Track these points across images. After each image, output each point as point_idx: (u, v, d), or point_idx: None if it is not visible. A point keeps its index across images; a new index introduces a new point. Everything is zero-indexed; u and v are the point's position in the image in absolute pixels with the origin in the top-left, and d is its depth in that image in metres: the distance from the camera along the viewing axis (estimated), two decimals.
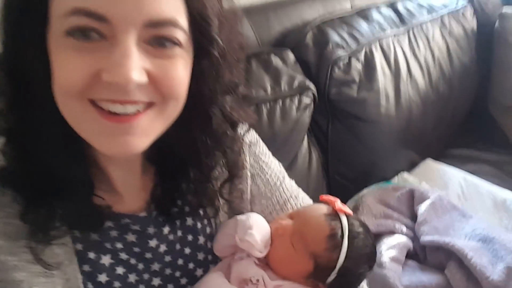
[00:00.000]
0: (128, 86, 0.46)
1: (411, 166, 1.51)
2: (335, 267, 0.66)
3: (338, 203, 0.71)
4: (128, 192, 0.61)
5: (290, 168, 1.15)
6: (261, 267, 0.69)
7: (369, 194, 1.26)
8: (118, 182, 0.60)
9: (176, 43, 0.48)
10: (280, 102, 1.08)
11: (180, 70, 0.49)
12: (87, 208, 0.56)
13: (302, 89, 1.13)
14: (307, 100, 1.13)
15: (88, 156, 0.58)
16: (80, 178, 0.54)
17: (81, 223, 0.56)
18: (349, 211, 0.71)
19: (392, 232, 1.13)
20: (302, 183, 0.83)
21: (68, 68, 0.45)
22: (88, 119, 0.49)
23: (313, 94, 1.14)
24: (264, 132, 1.05)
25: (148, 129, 0.49)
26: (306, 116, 1.17)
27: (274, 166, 0.74)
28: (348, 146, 1.27)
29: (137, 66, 0.45)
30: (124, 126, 0.47)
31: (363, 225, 0.72)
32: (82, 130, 0.49)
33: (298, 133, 1.16)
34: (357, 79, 1.28)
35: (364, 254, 0.69)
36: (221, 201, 0.67)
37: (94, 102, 0.48)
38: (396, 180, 1.38)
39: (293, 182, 0.80)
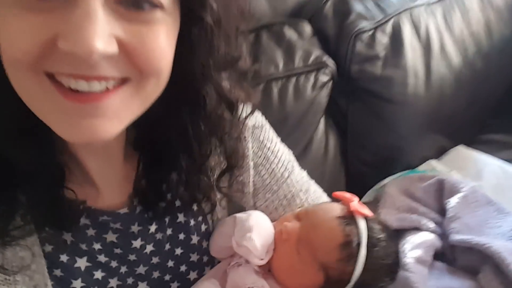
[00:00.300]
0: (91, 58, 0.37)
1: (440, 153, 1.40)
2: (349, 280, 0.58)
3: (355, 203, 0.61)
4: (107, 184, 0.56)
5: (303, 155, 1.07)
6: (261, 276, 0.61)
7: (392, 184, 1.15)
8: (94, 172, 0.55)
9: (156, 4, 0.41)
10: (294, 79, 1.01)
11: (161, 39, 0.42)
12: (56, 203, 0.51)
13: (319, 65, 1.06)
14: (324, 77, 1.05)
15: (57, 141, 0.50)
16: (47, 168, 0.49)
17: (49, 221, 0.52)
18: (368, 213, 0.61)
19: (417, 229, 1.01)
20: (317, 172, 0.76)
21: (17, 33, 0.38)
22: (45, 97, 0.41)
23: (332, 71, 1.07)
24: (274, 114, 0.97)
25: (120, 111, 0.43)
26: (323, 95, 1.08)
27: (281, 155, 0.69)
28: (370, 130, 1.19)
29: (102, 32, 0.37)
30: (90, 107, 0.41)
31: (385, 229, 0.63)
32: (37, 110, 0.43)
33: (314, 115, 1.07)
34: (382, 54, 1.18)
35: (385, 266, 0.61)
36: (219, 195, 0.63)
37: (52, 76, 0.40)
38: (423, 168, 1.32)
39: (304, 173, 0.73)
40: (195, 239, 0.62)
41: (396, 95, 1.21)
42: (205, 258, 0.64)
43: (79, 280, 0.54)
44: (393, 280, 0.63)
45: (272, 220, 0.66)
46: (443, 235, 1.03)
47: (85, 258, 0.54)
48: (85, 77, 0.39)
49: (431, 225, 1.04)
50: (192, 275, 0.63)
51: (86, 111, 0.40)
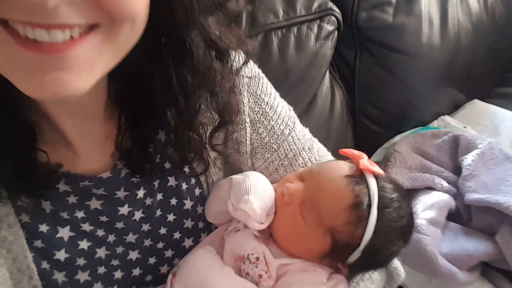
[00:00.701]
0: (47, 3, 0.32)
1: (454, 108, 1.34)
2: (359, 245, 0.53)
3: (364, 160, 0.56)
4: (86, 146, 0.51)
5: (307, 112, 1.02)
6: (262, 241, 0.56)
7: (403, 142, 1.11)
8: (71, 133, 0.49)
9: None
10: (295, 29, 0.94)
11: None
12: (28, 167, 0.46)
13: (323, 13, 0.99)
14: (329, 26, 0.99)
15: (24, 97, 0.44)
16: (14, 128, 0.44)
17: (22, 188, 0.47)
18: (379, 171, 0.56)
19: (430, 188, 0.99)
20: (322, 131, 0.71)
21: None
22: (0, 46, 0.35)
23: (337, 19, 1.01)
24: (274, 68, 0.90)
25: (91, 62, 0.38)
26: (328, 47, 1.01)
27: (281, 110, 0.62)
28: (380, 84, 1.14)
29: None
30: (53, 58, 0.36)
31: (398, 188, 0.57)
32: None
33: (318, 68, 1.00)
34: (393, 0, 1.10)
35: (399, 228, 0.55)
36: (213, 155, 0.58)
37: (7, 23, 0.35)
38: (436, 124, 1.25)
39: (306, 131, 0.67)
40: (188, 204, 0.58)
41: (409, 45, 1.14)
42: (200, 224, 0.60)
43: (63, 251, 0.51)
44: (406, 243, 0.58)
45: (272, 182, 0.62)
46: (457, 194, 1.00)
47: (67, 228, 0.51)
48: (44, 25, 0.34)
49: (445, 184, 1.01)
50: (187, 242, 0.59)
51: (49, 63, 0.35)
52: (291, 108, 0.66)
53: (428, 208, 0.93)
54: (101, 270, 0.54)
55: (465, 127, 1.23)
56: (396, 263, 0.65)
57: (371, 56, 1.12)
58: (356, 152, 0.58)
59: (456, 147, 1.07)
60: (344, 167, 0.57)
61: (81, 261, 0.52)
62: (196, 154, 0.54)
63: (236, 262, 0.56)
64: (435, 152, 1.08)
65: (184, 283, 0.52)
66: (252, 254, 0.55)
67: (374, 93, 1.16)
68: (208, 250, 0.56)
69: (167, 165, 0.56)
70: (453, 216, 0.98)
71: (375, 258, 0.56)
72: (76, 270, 0.52)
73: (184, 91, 0.49)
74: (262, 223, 0.55)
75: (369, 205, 0.53)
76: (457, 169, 1.05)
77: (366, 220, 0.53)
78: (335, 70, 1.13)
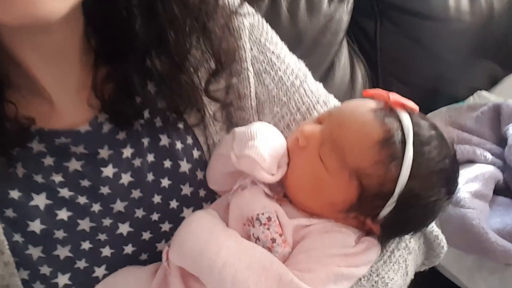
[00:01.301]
0: None
1: (491, 83, 1.25)
2: (392, 191, 0.45)
3: (394, 95, 0.49)
4: (63, 96, 0.47)
5: (324, 83, 0.91)
6: (273, 199, 0.49)
7: (435, 116, 1.06)
8: (46, 80, 0.45)
9: None
10: None
11: None
12: None
13: None
14: None
15: None
16: None
17: None
18: (413, 105, 0.49)
19: (471, 161, 0.92)
20: None
21: None
22: None
23: None
24: (283, 31, 0.84)
25: None
26: (344, 11, 0.96)
27: (290, 60, 0.58)
28: (405, 55, 1.11)
29: None
30: None
31: (436, 128, 0.50)
32: None
33: (333, 33, 0.95)
34: None
35: (441, 171, 0.47)
36: (211, 108, 0.53)
37: None
38: (472, 101, 1.17)
39: (320, 86, 0.61)
40: (185, 166, 0.52)
41: (435, 9, 1.08)
42: (201, 192, 0.54)
43: (38, 221, 0.46)
44: (450, 195, 0.50)
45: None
46: (505, 167, 0.91)
47: (43, 195, 0.46)
48: None
49: (489, 156, 0.93)
50: (187, 212, 0.53)
51: None
52: (301, 62, 0.60)
53: (471, 180, 0.86)
54: (86, 245, 0.49)
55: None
56: (437, 230, 0.57)
57: (393, 25, 1.07)
58: (383, 91, 0.51)
59: (498, 117, 1.00)
60: (370, 102, 0.50)
61: (60, 234, 0.47)
62: (190, 103, 0.50)
63: (243, 227, 0.48)
64: (474, 124, 1.02)
65: (180, 251, 0.45)
66: (263, 214, 0.47)
67: (399, 66, 1.11)
68: (209, 212, 0.48)
69: (158, 121, 0.51)
70: (502, 191, 0.90)
71: (413, 211, 0.48)
72: (54, 245, 0.47)
73: (171, 23, 0.45)
74: (273, 174, 0.48)
75: (403, 141, 0.46)
76: (501, 141, 0.98)
77: (400, 159, 0.45)
78: (354, 43, 1.07)
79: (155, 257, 0.52)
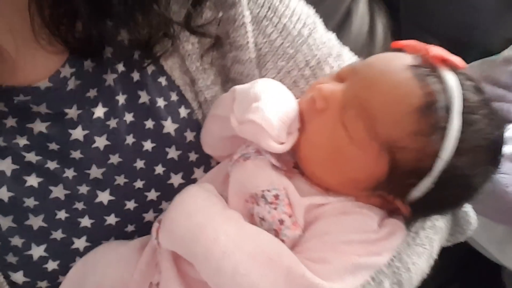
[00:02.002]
0: None
1: None
2: (431, 168, 0.39)
3: (434, 47, 0.41)
4: (18, 46, 0.43)
5: (339, 34, 0.85)
6: (283, 174, 0.43)
7: (466, 71, 0.93)
8: None
9: None
10: None
11: None
12: None
13: None
14: None
15: None
16: None
17: None
18: (459, 61, 0.41)
19: (508, 121, 0.83)
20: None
21: None
22: None
23: None
24: None
25: None
26: None
27: (296, 5, 0.52)
28: (431, 2, 1.02)
29: None
30: None
31: (483, 90, 0.42)
32: None
33: None
34: None
35: (489, 146, 0.41)
36: (191, 45, 0.48)
37: None
38: (507, 53, 1.07)
39: (332, 36, 0.55)
40: (170, 126, 0.48)
41: None
42: (192, 156, 0.50)
43: (4, 188, 0.44)
44: (495, 170, 0.42)
45: None
46: None
47: (8, 159, 0.44)
48: None
49: None
50: (175, 179, 0.49)
51: None
52: (310, 8, 0.53)
53: (506, 142, 0.76)
54: (61, 214, 0.47)
55: None
56: (467, 205, 0.51)
57: None
58: (419, 43, 0.43)
59: None
60: (405, 56, 0.42)
61: (30, 202, 0.45)
62: (158, 32, 0.44)
63: (246, 204, 0.42)
64: (510, 79, 0.94)
65: (171, 235, 0.40)
66: (269, 191, 0.41)
67: (423, 14, 1.03)
68: (205, 188, 0.43)
69: (135, 75, 0.47)
70: None
71: (451, 191, 0.41)
72: (26, 214, 0.46)
73: None
74: (282, 143, 0.41)
75: (448, 108, 0.38)
76: None
77: (443, 130, 0.38)
78: None
79: (144, 228, 0.49)
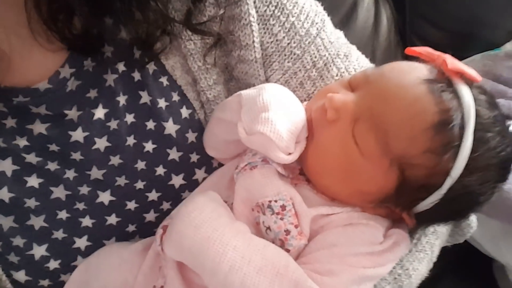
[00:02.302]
0: None
1: None
2: (440, 185, 0.38)
3: (451, 59, 0.40)
4: (15, 45, 0.41)
5: (344, 27, 0.82)
6: (289, 183, 0.43)
7: (469, 65, 0.90)
8: None
9: None
10: None
11: None
12: None
13: None
14: None
15: None
16: None
17: None
18: (475, 75, 0.40)
19: (506, 118, 0.79)
20: (363, 53, 0.55)
21: None
22: None
23: None
24: None
25: None
26: None
27: (304, 3, 0.50)
28: None
29: None
30: None
31: (496, 104, 0.42)
32: None
33: None
34: None
35: (500, 164, 0.40)
36: (193, 44, 0.47)
37: None
38: (509, 47, 1.07)
39: (340, 34, 0.53)
40: (171, 128, 0.47)
41: None
42: (193, 157, 0.49)
43: (5, 189, 0.44)
44: (501, 184, 0.42)
45: None
46: None
47: (9, 160, 0.44)
48: None
49: None
50: (176, 180, 0.49)
51: None
52: (318, 4, 0.51)
53: None
54: (62, 215, 0.46)
55: None
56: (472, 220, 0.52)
57: None
58: (433, 51, 0.42)
59: None
60: (421, 68, 0.41)
61: (31, 203, 0.45)
62: (156, 29, 0.43)
63: (252, 213, 0.42)
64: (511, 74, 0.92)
65: (178, 246, 0.39)
66: (276, 202, 0.40)
67: (429, 7, 1.01)
68: (211, 198, 0.41)
69: (136, 75, 0.46)
70: None
71: (458, 206, 0.41)
72: (27, 214, 0.45)
73: None
74: (290, 153, 0.40)
75: (462, 126, 0.38)
76: None
77: (457, 148, 0.37)
78: None
79: (144, 228, 0.49)
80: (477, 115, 0.38)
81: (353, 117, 0.40)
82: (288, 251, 0.39)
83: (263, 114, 0.39)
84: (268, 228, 0.40)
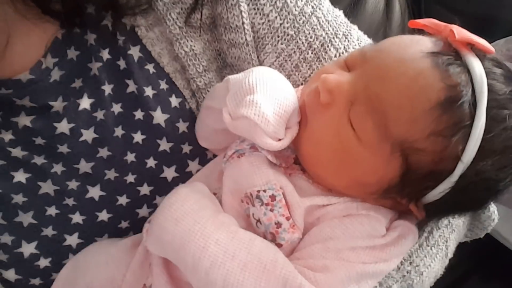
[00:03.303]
0: None
1: None
2: (452, 170, 0.34)
3: (459, 29, 0.36)
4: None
5: (352, 12, 0.84)
6: (281, 172, 0.39)
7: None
8: None
9: None
10: None
11: None
12: None
13: None
14: None
15: None
16: None
17: None
18: (486, 45, 0.36)
19: None
20: (373, 40, 0.51)
21: None
22: None
23: None
24: None
25: None
26: None
27: None
28: None
29: None
30: None
31: (511, 76, 0.37)
32: None
33: None
34: None
35: None
36: (180, 27, 0.44)
37: None
38: None
39: (339, 13, 0.50)
40: (160, 117, 0.45)
41: None
42: (185, 148, 0.47)
43: None
44: None
45: (293, 87, 0.43)
46: None
47: None
48: None
49: None
50: (168, 172, 0.46)
51: None
52: None
53: None
54: (51, 211, 0.45)
55: None
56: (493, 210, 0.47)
57: None
58: (438, 22, 0.38)
59: None
60: (424, 41, 0.37)
61: (19, 199, 0.44)
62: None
63: (241, 204, 0.39)
64: None
65: (158, 241, 0.37)
66: (265, 191, 0.37)
67: None
68: (195, 189, 0.38)
69: (121, 62, 0.44)
70: None
71: (473, 195, 0.37)
72: (15, 211, 0.44)
73: None
74: (279, 139, 0.37)
75: (474, 103, 0.33)
76: None
77: (468, 128, 0.33)
78: None
79: (138, 224, 0.46)
80: (491, 90, 0.33)
81: (348, 99, 0.36)
82: (280, 245, 0.36)
83: (248, 96, 0.36)
84: (258, 220, 0.37)
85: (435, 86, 0.33)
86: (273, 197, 0.36)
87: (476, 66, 0.34)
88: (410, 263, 0.40)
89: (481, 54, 0.35)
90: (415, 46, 0.36)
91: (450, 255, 0.46)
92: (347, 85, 0.36)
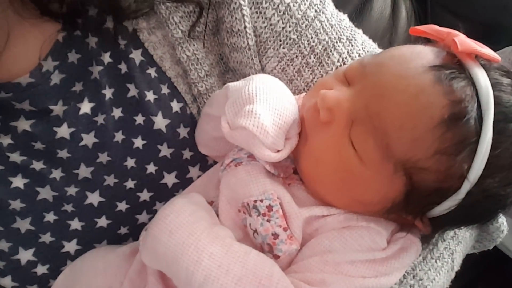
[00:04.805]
0: None
1: None
2: (458, 188, 0.32)
3: (462, 38, 0.34)
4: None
5: (358, 18, 0.82)
6: (279, 182, 0.38)
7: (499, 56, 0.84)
8: None
9: None
10: None
11: None
12: None
13: None
14: None
15: None
16: None
17: None
18: (491, 54, 0.34)
19: None
20: (379, 46, 0.50)
21: None
22: None
23: None
24: None
25: None
26: None
27: None
28: None
29: None
30: None
31: None
32: None
33: None
34: None
35: None
36: (182, 31, 0.43)
37: None
38: None
39: (344, 16, 0.48)
40: (161, 122, 0.44)
41: None
42: (186, 154, 0.45)
43: None
44: None
45: (295, 93, 0.43)
46: None
47: None
48: None
49: None
50: (169, 178, 0.45)
51: None
52: None
53: None
54: (50, 217, 0.44)
55: None
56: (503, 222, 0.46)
57: None
58: (442, 29, 0.36)
59: None
60: (426, 53, 0.34)
61: (17, 205, 0.43)
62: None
63: (238, 214, 0.37)
64: None
65: (152, 253, 0.35)
66: (262, 201, 0.36)
67: None
68: (192, 201, 0.37)
69: (123, 67, 0.43)
70: None
71: (480, 210, 0.35)
72: (12, 217, 0.43)
73: None
74: (278, 150, 0.35)
75: (480, 118, 0.31)
76: None
77: (474, 145, 0.31)
78: None
79: (137, 230, 0.45)
80: (497, 102, 0.31)
81: (349, 117, 0.34)
82: (277, 257, 0.34)
83: (247, 106, 0.34)
84: (255, 231, 0.35)
85: (438, 103, 0.31)
86: (270, 207, 0.35)
87: (481, 78, 0.32)
88: (413, 276, 0.38)
89: (486, 63, 0.33)
90: (416, 60, 0.34)
91: (457, 267, 0.44)
92: (347, 102, 0.34)
